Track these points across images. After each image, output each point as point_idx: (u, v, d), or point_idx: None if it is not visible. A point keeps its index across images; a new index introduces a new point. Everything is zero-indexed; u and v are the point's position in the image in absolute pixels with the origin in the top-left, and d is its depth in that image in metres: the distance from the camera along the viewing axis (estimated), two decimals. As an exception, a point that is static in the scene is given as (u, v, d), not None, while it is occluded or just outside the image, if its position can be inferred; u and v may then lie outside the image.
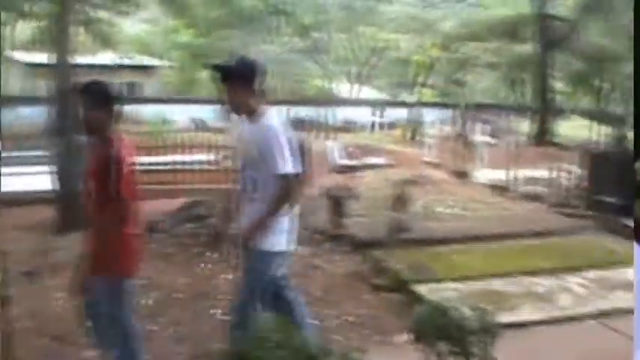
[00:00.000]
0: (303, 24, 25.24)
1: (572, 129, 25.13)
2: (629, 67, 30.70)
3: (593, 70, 30.95)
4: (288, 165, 4.20)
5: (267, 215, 4.23)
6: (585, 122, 28.13)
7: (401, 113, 27.31)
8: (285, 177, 4.19)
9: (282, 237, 4.39)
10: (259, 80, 4.31)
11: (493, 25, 26.14)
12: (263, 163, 4.22)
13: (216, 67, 4.53)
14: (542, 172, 12.95)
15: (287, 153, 4.21)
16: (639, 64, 3.53)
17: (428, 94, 34.07)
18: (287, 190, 4.23)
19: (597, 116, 30.26)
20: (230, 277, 6.73)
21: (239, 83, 4.27)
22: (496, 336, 3.87)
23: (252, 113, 4.33)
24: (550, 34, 22.72)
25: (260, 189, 4.29)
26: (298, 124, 22.31)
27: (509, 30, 25.96)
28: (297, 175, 4.30)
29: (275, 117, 4.38)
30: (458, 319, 3.88)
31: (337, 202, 8.61)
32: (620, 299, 6.57)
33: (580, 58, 27.28)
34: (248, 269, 4.50)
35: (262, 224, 4.24)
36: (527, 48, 26.28)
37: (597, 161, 10.42)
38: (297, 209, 4.59)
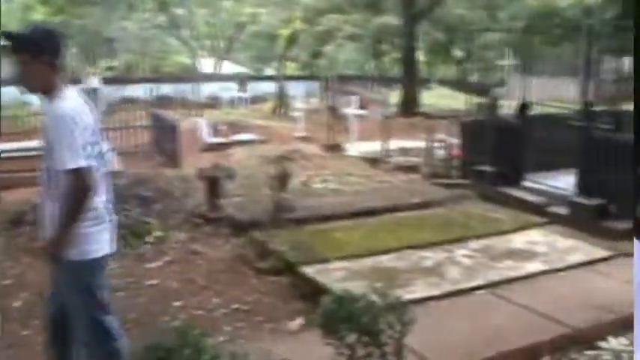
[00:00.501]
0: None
1: (436, 98, 25.63)
2: (485, 37, 31.82)
3: (452, 40, 31.79)
4: (78, 158, 3.44)
5: (64, 221, 3.50)
6: (447, 92, 28.84)
7: (266, 87, 26.93)
8: (74, 172, 3.44)
9: (93, 241, 3.65)
10: (58, 53, 3.60)
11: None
12: (53, 153, 3.50)
13: (5, 36, 3.70)
14: (415, 143, 13.00)
15: (80, 143, 3.47)
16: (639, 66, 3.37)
17: (292, 68, 33.89)
18: (78, 188, 3.45)
19: (460, 86, 31.11)
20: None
21: (33, 55, 3.53)
22: (409, 324, 3.61)
23: (48, 92, 3.59)
24: (414, 5, 22.89)
25: (56, 185, 3.56)
26: (162, 101, 21.51)
27: (372, 2, 26.08)
28: (91, 170, 3.52)
29: (74, 98, 3.62)
30: (367, 307, 3.59)
31: (213, 183, 8.14)
32: (508, 268, 6.57)
33: (440, 28, 27.88)
34: (61, 284, 3.78)
35: (62, 233, 3.51)
36: (389, 19, 26.49)
37: (470, 130, 10.46)
38: (110, 203, 3.83)
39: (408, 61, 23.44)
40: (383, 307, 3.59)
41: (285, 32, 28.66)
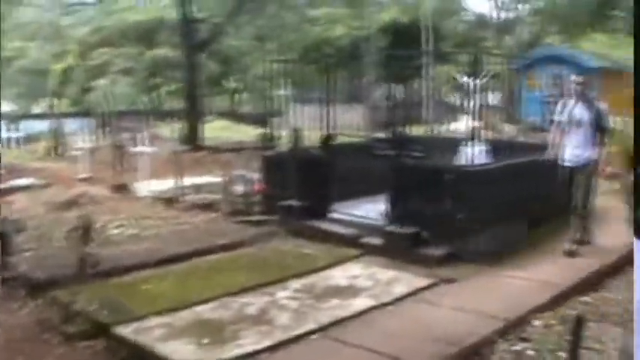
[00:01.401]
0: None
1: (218, 131, 25.21)
2: (260, 68, 32.04)
3: (228, 72, 31.73)
4: None
5: None
6: (227, 123, 28.58)
7: (39, 126, 24.91)
8: None
9: None
10: None
11: (127, 31, 25.26)
12: None
13: None
14: (208, 179, 12.44)
15: None
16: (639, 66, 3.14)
17: (64, 104, 31.91)
18: None
19: (238, 117, 31.01)
20: None
21: None
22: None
23: None
24: (193, 37, 22.34)
25: None
26: None
27: (144, 35, 25.26)
28: None
29: None
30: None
31: (1, 239, 7.05)
32: (336, 307, 6.23)
33: (216, 60, 27.63)
34: None
35: None
36: (164, 52, 25.81)
37: (273, 164, 10.09)
38: None
39: (189, 94, 22.78)
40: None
41: (58, 67, 26.96)
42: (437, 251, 7.64)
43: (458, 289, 6.69)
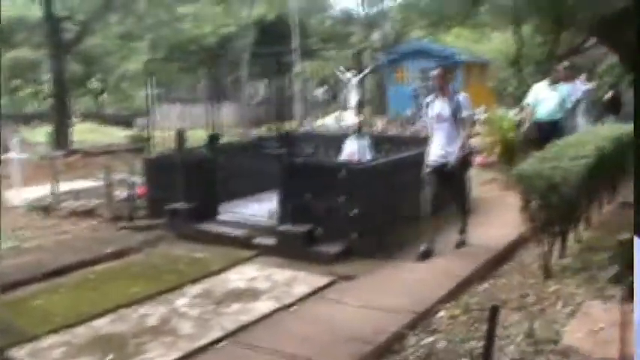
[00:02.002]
0: None
1: (86, 133, 24.30)
2: (124, 67, 31.16)
3: (92, 72, 30.65)
4: None
5: None
6: (93, 126, 27.60)
7: None
8: None
9: None
10: None
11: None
12: None
13: None
14: (86, 184, 11.98)
15: None
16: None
17: None
18: None
19: (104, 119, 30.02)
20: None
21: None
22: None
23: None
24: (58, 36, 21.33)
25: None
26: None
27: (3, 35, 23.95)
28: None
29: None
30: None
31: None
32: (239, 312, 6.12)
33: (79, 60, 26.61)
34: None
35: None
36: (23, 53, 24.61)
37: (157, 167, 9.80)
38: None
39: (57, 96, 21.77)
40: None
41: None
42: (332, 248, 7.66)
43: (358, 286, 6.71)
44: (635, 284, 2.48)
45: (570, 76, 11.89)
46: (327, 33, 34.32)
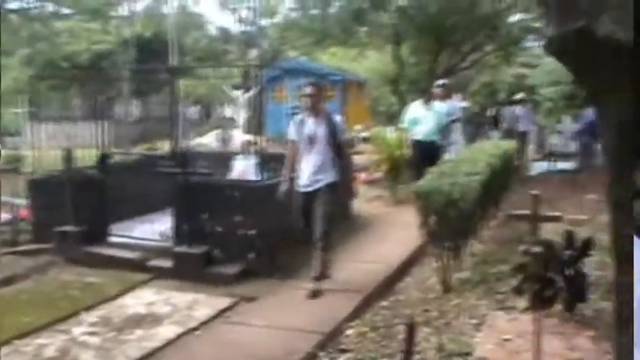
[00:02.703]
0: None
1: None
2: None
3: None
4: None
5: None
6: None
7: None
8: None
9: None
10: None
11: None
12: None
13: None
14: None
15: None
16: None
17: None
18: None
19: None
20: None
21: None
22: None
23: None
24: None
25: None
26: None
27: None
28: None
29: None
30: None
31: None
32: (142, 339, 5.95)
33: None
34: None
35: None
36: None
37: (43, 188, 9.36)
38: None
39: None
40: None
41: None
42: (230, 269, 7.59)
43: (261, 307, 6.69)
44: (635, 284, 2.59)
45: (446, 95, 11.92)
46: (203, 51, 34.05)
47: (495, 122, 17.24)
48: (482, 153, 8.87)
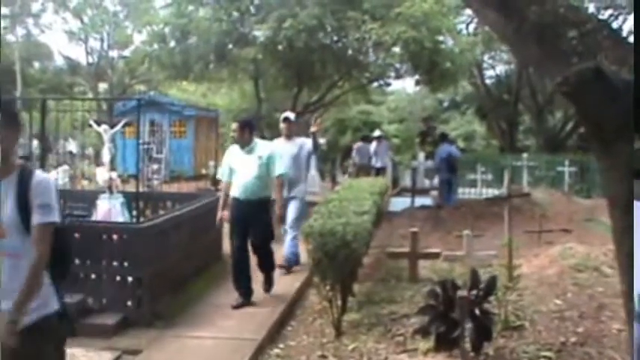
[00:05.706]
0: None
1: None
2: None
3: None
4: None
5: None
6: None
7: None
8: None
9: None
10: None
11: None
12: None
13: None
14: None
15: None
16: None
17: None
18: None
19: None
20: None
21: None
22: None
23: None
24: None
25: None
26: None
27: None
28: None
29: None
30: None
31: None
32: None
33: None
34: None
35: None
36: None
37: None
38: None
39: None
40: None
41: None
42: (109, 319, 6.96)
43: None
44: (635, 278, 2.47)
45: (293, 131, 9.84)
46: (49, 82, 32.43)
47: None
48: (363, 191, 8.80)
